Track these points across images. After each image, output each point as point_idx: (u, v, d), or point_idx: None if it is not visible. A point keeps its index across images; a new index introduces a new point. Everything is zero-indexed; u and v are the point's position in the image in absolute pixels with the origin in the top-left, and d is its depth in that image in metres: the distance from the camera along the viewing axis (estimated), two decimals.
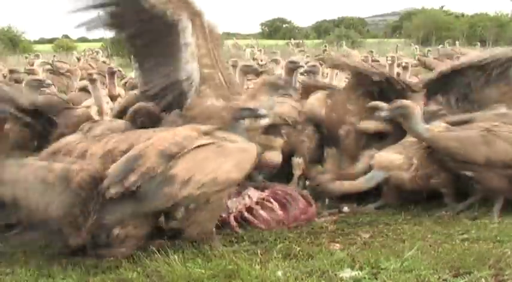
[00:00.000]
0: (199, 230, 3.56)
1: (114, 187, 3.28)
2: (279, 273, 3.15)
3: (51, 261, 3.51)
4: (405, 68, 8.42)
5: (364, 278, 3.12)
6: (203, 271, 3.22)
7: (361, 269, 3.23)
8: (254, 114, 4.00)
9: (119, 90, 7.73)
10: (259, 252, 3.47)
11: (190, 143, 3.47)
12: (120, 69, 14.35)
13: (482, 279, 3.06)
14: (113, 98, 7.31)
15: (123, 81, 10.43)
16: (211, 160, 3.46)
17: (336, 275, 3.16)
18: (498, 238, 3.71)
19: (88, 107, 5.89)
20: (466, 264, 3.24)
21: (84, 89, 8.04)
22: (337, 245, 3.69)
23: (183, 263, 3.38)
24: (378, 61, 11.79)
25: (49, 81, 6.50)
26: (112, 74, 7.63)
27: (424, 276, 3.08)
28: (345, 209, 4.58)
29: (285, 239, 3.78)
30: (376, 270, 3.20)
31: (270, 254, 3.42)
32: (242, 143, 3.70)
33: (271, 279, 3.09)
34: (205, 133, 3.66)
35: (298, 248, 3.55)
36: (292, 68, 6.25)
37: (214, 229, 3.70)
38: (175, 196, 3.33)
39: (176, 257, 3.48)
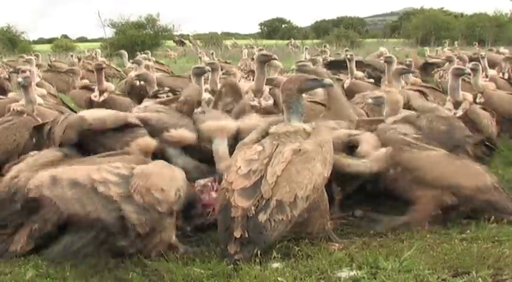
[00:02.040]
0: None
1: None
2: (278, 273, 3.16)
3: (50, 261, 3.51)
4: (409, 66, 8.48)
5: (363, 277, 3.12)
6: (202, 271, 3.23)
7: (359, 268, 3.24)
8: (320, 84, 4.06)
9: (107, 84, 8.06)
10: (258, 252, 3.47)
11: None
12: (119, 69, 14.43)
13: (481, 279, 3.07)
14: (101, 92, 7.70)
15: (123, 81, 10.46)
16: None
17: (334, 274, 3.17)
18: (497, 238, 3.72)
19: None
20: (465, 264, 3.24)
21: (85, 87, 8.41)
22: (336, 244, 3.69)
23: (183, 263, 3.38)
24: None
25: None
26: (100, 70, 7.92)
27: (423, 276, 3.09)
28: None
29: (284, 239, 3.78)
30: (374, 270, 3.21)
31: (270, 254, 3.42)
32: None
33: (271, 279, 3.09)
34: None
35: (297, 248, 3.55)
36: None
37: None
38: None
39: (176, 257, 3.49)
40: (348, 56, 9.12)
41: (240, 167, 3.54)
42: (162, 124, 4.57)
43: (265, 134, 3.83)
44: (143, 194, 3.44)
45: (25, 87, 5.32)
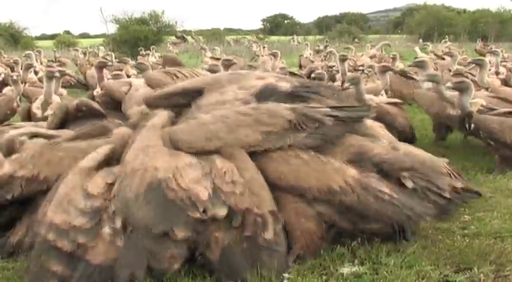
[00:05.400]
0: None
1: None
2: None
3: None
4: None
5: (365, 273, 3.13)
6: (202, 270, 3.22)
7: (362, 264, 3.24)
8: None
9: None
10: None
11: None
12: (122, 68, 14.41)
13: (483, 275, 3.07)
14: (102, 88, 7.43)
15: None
16: None
17: (337, 270, 3.17)
18: (499, 234, 3.70)
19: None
20: (467, 260, 3.24)
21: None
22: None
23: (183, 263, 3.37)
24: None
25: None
26: (101, 67, 7.80)
27: (424, 272, 3.09)
28: None
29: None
30: (377, 266, 3.21)
31: None
32: None
33: (272, 278, 3.09)
34: None
35: None
36: None
37: None
38: None
39: None
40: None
41: None
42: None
43: None
44: None
45: (50, 78, 5.24)
